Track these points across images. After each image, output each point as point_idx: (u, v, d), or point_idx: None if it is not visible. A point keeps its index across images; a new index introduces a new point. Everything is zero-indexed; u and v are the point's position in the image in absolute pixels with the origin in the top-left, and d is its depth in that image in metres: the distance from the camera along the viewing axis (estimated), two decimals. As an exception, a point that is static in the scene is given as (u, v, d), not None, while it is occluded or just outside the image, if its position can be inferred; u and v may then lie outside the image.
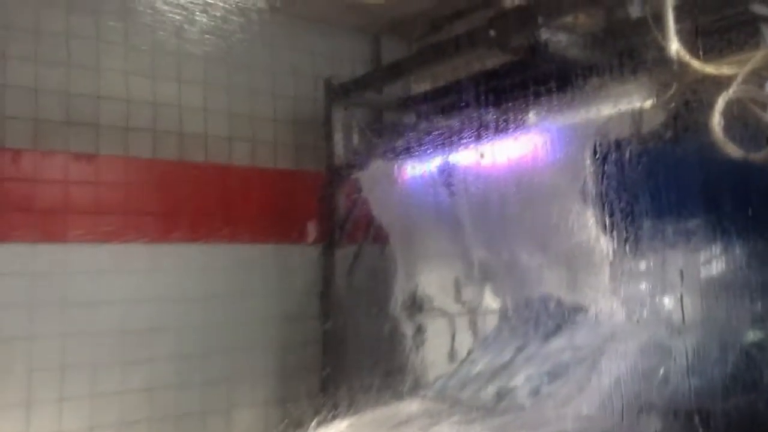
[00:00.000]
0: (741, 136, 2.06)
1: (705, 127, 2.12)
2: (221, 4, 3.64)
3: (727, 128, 2.08)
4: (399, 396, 3.23)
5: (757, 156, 2.00)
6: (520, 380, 2.95)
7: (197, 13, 3.66)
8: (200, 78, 3.99)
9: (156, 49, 3.81)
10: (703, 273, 2.58)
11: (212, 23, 3.86)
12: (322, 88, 4.07)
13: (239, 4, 3.67)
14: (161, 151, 3.83)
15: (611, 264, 2.71)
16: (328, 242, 4.03)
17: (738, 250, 2.46)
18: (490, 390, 2.99)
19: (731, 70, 2.11)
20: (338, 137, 3.97)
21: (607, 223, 2.65)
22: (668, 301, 2.64)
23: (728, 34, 2.21)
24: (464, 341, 3.71)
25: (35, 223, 3.42)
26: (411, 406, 3.07)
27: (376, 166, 3.76)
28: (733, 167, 2.18)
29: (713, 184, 2.33)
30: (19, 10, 3.47)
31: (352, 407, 3.07)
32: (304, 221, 4.19)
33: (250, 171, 4.13)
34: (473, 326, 3.75)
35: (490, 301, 3.64)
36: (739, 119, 2.08)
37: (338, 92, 3.98)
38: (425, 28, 3.99)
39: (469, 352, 3.49)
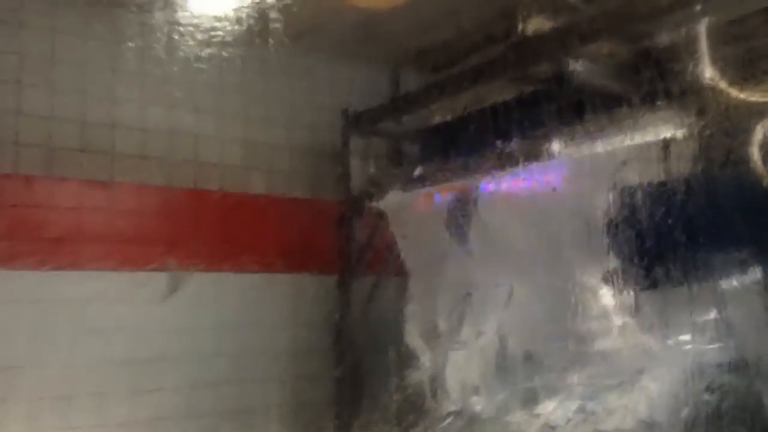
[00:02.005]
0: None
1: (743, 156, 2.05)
2: (239, 34, 3.62)
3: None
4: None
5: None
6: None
7: (214, 42, 3.66)
8: (217, 107, 3.98)
9: (172, 78, 3.79)
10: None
11: (230, 53, 3.85)
12: (339, 117, 4.04)
13: (257, 34, 3.66)
14: (176, 180, 3.80)
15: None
16: (344, 273, 3.97)
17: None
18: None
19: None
20: (355, 166, 3.93)
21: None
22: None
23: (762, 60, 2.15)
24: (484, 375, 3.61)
25: (46, 250, 3.38)
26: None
27: (394, 195, 3.71)
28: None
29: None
30: (35, 37, 3.47)
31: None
32: (320, 251, 4.12)
33: (266, 200, 4.09)
34: (490, 359, 3.65)
35: (509, 333, 3.54)
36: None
37: (355, 122, 3.96)
38: (445, 59, 3.97)
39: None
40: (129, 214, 3.64)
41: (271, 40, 3.77)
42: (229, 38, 3.65)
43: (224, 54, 3.77)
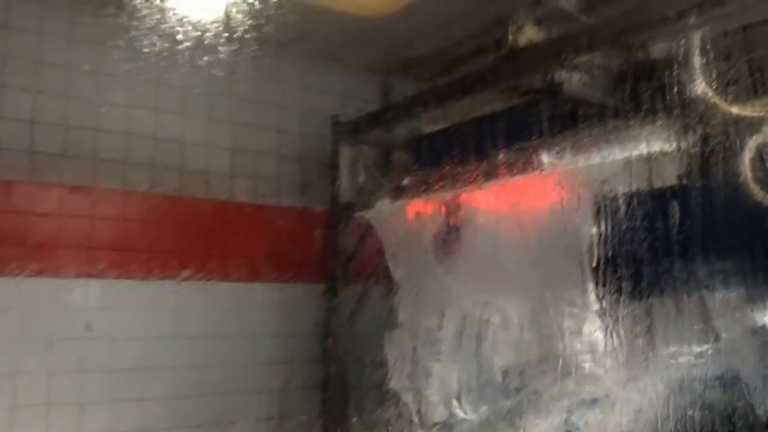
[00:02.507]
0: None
1: (734, 172, 2.00)
2: (228, 38, 3.58)
3: (758, 173, 1.97)
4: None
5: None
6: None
7: (203, 47, 3.62)
8: (204, 112, 3.94)
9: (159, 82, 3.76)
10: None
11: (219, 58, 3.81)
12: (329, 125, 4.01)
13: (247, 38, 3.62)
14: (161, 187, 3.75)
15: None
16: (331, 282, 3.94)
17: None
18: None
19: (762, 112, 2.00)
20: (344, 175, 3.90)
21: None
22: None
23: (756, 75, 2.11)
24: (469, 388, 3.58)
25: (26, 256, 3.32)
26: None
27: (382, 205, 3.67)
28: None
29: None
30: (19, 40, 3.42)
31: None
32: (307, 260, 4.08)
33: (253, 208, 4.05)
34: (474, 372, 3.62)
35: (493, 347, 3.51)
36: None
37: (346, 130, 3.93)
38: (436, 68, 3.95)
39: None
40: (111, 220, 3.58)
41: (260, 46, 3.74)
42: (218, 43, 3.62)
43: (213, 59, 3.74)
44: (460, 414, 3.33)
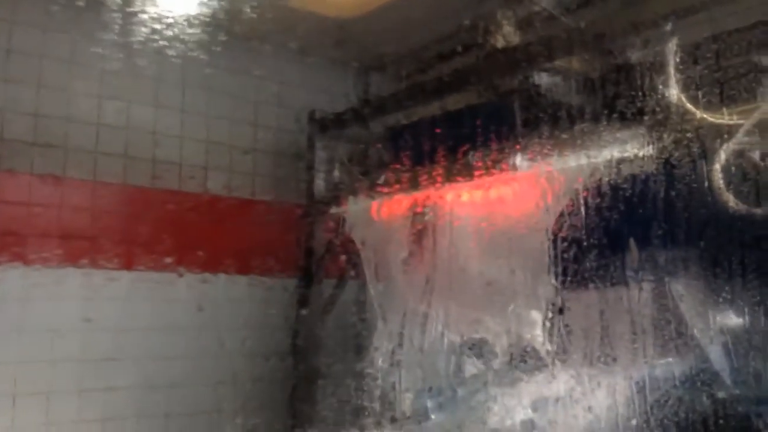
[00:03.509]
0: (742, 188, 2.00)
1: (705, 177, 2.05)
2: (204, 30, 3.56)
3: (728, 179, 2.02)
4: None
5: (761, 210, 1.93)
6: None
7: (178, 38, 3.58)
8: (177, 104, 3.89)
9: (132, 73, 3.69)
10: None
11: (194, 49, 3.78)
12: (305, 120, 4.00)
13: (223, 31, 3.60)
14: (132, 177, 3.70)
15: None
16: (304, 276, 3.93)
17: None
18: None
19: (733, 120, 2.05)
20: (320, 170, 3.88)
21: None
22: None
23: (730, 83, 2.16)
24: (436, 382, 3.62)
25: (-7, 244, 3.26)
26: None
27: (356, 201, 3.68)
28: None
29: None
30: (-9, 28, 3.35)
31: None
32: (280, 254, 4.06)
33: (226, 201, 4.02)
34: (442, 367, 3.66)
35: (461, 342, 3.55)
36: (741, 171, 2.02)
37: (322, 125, 3.91)
38: (415, 65, 3.96)
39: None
40: (81, 210, 3.53)
41: (237, 40, 3.72)
42: (194, 34, 3.59)
43: (188, 50, 3.71)
44: (428, 409, 3.37)
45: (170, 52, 3.63)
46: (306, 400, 3.85)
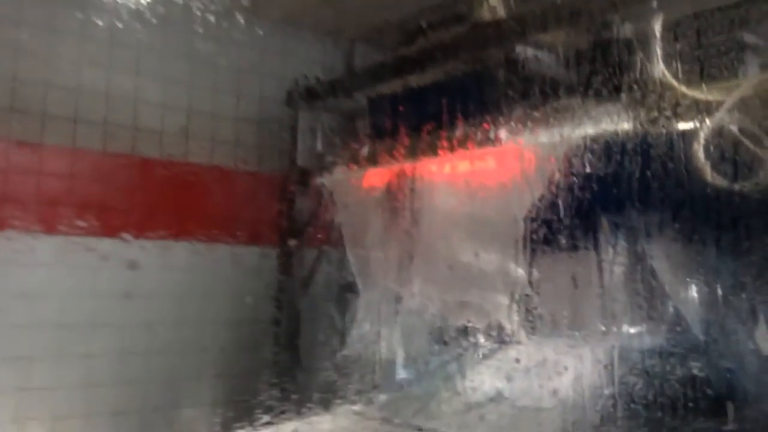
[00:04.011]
0: (725, 165, 2.03)
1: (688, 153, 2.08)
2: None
3: (710, 156, 2.05)
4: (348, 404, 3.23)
5: (742, 186, 1.96)
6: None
7: (159, 4, 3.52)
8: (159, 72, 3.84)
9: (113, 39, 3.65)
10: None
11: (176, 17, 3.73)
12: (289, 90, 3.98)
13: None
14: (112, 145, 3.66)
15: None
16: (286, 245, 3.95)
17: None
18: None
19: (716, 97, 2.08)
20: (303, 140, 3.88)
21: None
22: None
23: (714, 60, 2.18)
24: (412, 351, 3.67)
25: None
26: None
27: (339, 172, 3.68)
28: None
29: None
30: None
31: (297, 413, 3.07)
32: (263, 223, 4.06)
33: (209, 169, 3.99)
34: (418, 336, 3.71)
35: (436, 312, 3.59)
36: (723, 147, 2.05)
37: (305, 95, 3.89)
38: (401, 36, 3.92)
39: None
40: (60, 177, 3.50)
41: (220, 7, 3.67)
42: (174, 2, 3.54)
43: (170, 16, 3.66)
44: (405, 377, 3.42)
45: (151, 19, 3.58)
46: (288, 368, 3.88)
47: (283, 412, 3.13)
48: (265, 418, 3.14)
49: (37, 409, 3.36)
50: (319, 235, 3.93)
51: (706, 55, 2.20)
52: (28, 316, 3.36)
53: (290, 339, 3.94)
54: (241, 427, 3.06)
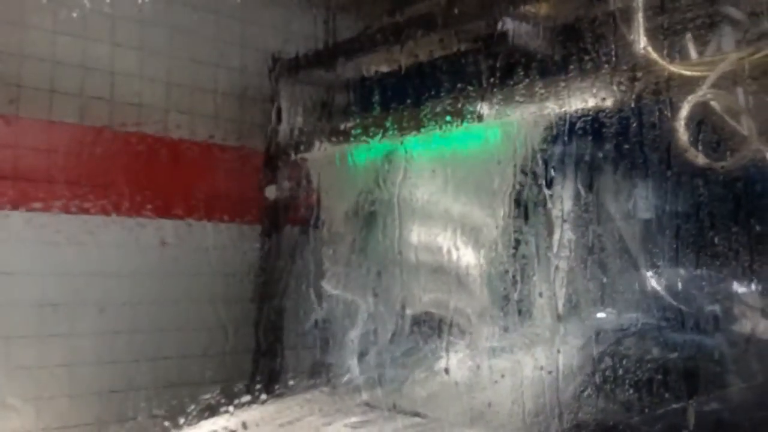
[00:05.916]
0: (706, 141, 2.00)
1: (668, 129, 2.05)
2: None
3: (692, 132, 2.02)
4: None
5: (722, 164, 1.94)
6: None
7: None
8: (136, 42, 3.74)
9: (88, 7, 3.55)
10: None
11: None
12: (270, 62, 3.90)
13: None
14: (88, 118, 3.58)
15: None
16: (268, 222, 3.91)
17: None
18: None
19: (699, 72, 2.04)
20: (284, 115, 3.82)
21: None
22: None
23: (696, 34, 2.14)
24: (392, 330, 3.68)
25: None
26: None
27: (320, 148, 3.64)
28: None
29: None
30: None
31: (278, 393, 3.14)
32: (244, 200, 4.01)
33: (188, 144, 3.92)
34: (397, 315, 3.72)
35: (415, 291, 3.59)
36: (705, 124, 2.02)
37: (287, 68, 3.82)
38: (383, 7, 3.85)
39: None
40: (36, 151, 3.42)
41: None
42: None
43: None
44: (384, 357, 3.41)
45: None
46: (270, 345, 3.87)
47: (265, 391, 3.14)
48: (247, 397, 3.16)
49: (23, 389, 3.34)
50: (302, 212, 3.89)
51: (687, 29, 2.17)
52: (7, 293, 3.31)
53: (273, 317, 3.93)
54: (225, 406, 3.07)
